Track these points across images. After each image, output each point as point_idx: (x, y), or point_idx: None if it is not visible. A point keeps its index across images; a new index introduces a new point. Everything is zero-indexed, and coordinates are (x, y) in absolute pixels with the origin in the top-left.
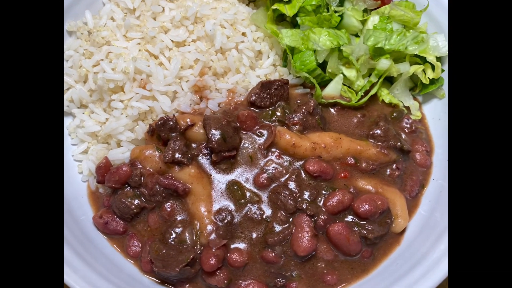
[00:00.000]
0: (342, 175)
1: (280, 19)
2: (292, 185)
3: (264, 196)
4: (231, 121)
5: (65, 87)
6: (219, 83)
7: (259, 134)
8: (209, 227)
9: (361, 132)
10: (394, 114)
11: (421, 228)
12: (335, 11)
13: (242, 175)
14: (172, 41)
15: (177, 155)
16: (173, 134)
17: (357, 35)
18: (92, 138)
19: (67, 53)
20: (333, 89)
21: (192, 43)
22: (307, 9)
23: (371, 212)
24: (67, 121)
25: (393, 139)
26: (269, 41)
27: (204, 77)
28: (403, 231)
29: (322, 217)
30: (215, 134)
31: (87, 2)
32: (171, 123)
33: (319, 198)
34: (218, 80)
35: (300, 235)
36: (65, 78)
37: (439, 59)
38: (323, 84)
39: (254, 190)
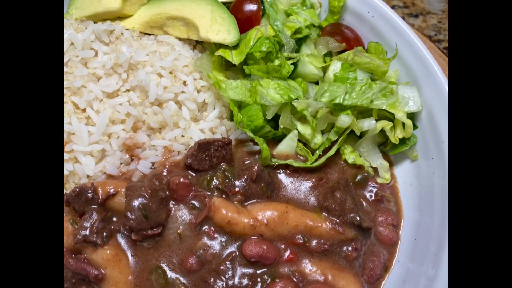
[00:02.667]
0: (287, 257)
1: (229, 64)
2: (226, 272)
3: (192, 284)
4: (158, 190)
5: None
6: (154, 139)
7: (191, 206)
8: None
9: (316, 200)
10: (358, 178)
11: None
12: (289, 58)
13: (168, 257)
14: (103, 91)
15: (89, 234)
16: (92, 206)
17: (317, 83)
18: None
19: None
20: (286, 147)
21: (126, 93)
22: (255, 57)
23: None
24: None
25: (350, 213)
26: (215, 91)
27: (137, 132)
28: None
29: None
30: (135, 209)
31: None
32: (88, 194)
33: None
34: (154, 134)
35: None
36: None
37: (411, 115)
38: (278, 138)
39: (180, 277)
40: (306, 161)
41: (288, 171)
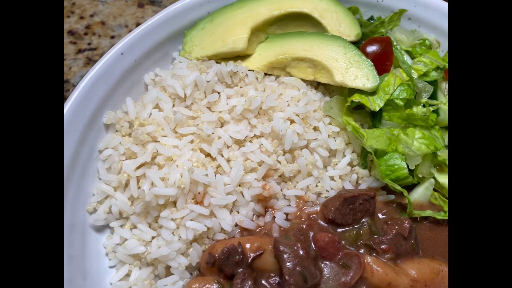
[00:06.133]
0: None
1: (357, 107)
2: None
3: None
4: (309, 250)
5: (102, 196)
6: (287, 189)
7: (342, 264)
8: None
9: None
10: None
11: None
12: (429, 105)
13: None
14: (231, 137)
15: None
16: (240, 269)
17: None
18: (135, 259)
19: (104, 152)
20: (421, 196)
21: (255, 139)
22: (396, 103)
23: None
24: (103, 237)
25: None
26: (345, 136)
27: (269, 181)
28: None
29: None
30: (293, 273)
31: (128, 84)
32: (237, 256)
33: None
34: (284, 183)
35: None
36: (103, 186)
37: None
38: (407, 186)
39: None
40: (440, 210)
41: (427, 223)
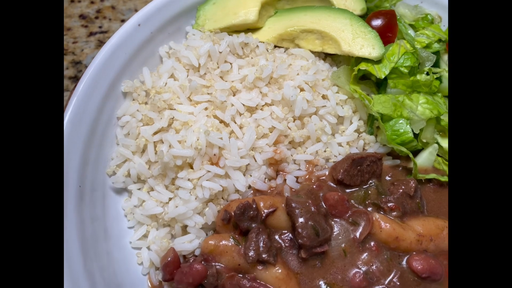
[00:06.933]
0: None
1: (363, 77)
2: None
3: None
4: (319, 207)
5: (120, 160)
6: (297, 154)
7: (352, 221)
8: None
9: None
10: None
11: None
12: (433, 72)
13: (336, 274)
14: (243, 105)
15: (262, 253)
16: (254, 224)
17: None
18: (152, 220)
19: (123, 119)
20: (426, 161)
21: (266, 106)
22: (400, 71)
23: None
24: (122, 199)
25: None
26: (352, 104)
27: (280, 146)
28: None
29: None
30: (306, 226)
31: (144, 56)
32: (251, 212)
33: None
34: (294, 149)
35: None
36: (121, 149)
37: None
38: (412, 152)
39: None
40: (444, 175)
41: (431, 185)
